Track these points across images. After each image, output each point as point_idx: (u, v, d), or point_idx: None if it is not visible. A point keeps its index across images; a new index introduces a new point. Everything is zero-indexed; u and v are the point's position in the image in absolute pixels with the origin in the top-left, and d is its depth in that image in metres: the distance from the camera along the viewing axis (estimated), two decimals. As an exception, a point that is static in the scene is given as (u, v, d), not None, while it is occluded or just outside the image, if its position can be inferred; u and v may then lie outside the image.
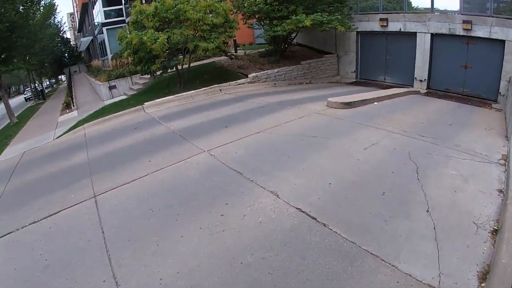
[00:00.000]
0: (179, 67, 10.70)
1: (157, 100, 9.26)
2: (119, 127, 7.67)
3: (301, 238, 2.88)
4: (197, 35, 9.95)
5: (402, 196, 3.53)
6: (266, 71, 11.43)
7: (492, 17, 9.26)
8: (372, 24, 12.03)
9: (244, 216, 3.29)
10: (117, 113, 8.78)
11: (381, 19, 11.65)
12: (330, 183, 3.83)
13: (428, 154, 4.65)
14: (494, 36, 9.14)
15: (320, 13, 10.31)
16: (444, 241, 2.76)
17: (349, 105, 7.37)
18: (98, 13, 19.60)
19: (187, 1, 9.45)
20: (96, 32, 22.40)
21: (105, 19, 18.76)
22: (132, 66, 12.56)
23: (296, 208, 3.34)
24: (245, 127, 6.18)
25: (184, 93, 9.75)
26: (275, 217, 3.23)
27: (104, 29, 18.68)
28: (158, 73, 10.84)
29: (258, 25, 12.47)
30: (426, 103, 8.92)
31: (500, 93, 9.24)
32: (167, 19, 9.53)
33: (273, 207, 3.39)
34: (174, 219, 3.40)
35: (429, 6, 10.85)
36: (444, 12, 10.43)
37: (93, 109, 11.03)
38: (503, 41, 9.00)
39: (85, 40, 28.14)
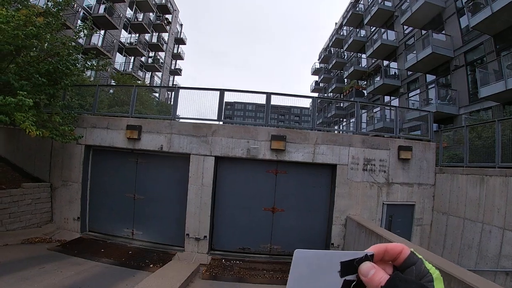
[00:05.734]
0: None
1: None
2: None
3: None
4: None
5: None
6: None
7: (318, 130, 6.36)
8: (114, 135, 6.62)
9: None
10: None
11: (129, 127, 6.45)
12: None
13: None
14: (320, 160, 6.14)
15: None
16: None
17: None
18: None
19: None
20: None
21: None
22: None
23: None
24: None
25: None
26: None
27: None
28: None
29: None
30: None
31: (332, 244, 6.08)
32: None
33: None
34: None
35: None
36: (242, 124, 6.85)
37: None
38: (333, 166, 6.22)
39: None
